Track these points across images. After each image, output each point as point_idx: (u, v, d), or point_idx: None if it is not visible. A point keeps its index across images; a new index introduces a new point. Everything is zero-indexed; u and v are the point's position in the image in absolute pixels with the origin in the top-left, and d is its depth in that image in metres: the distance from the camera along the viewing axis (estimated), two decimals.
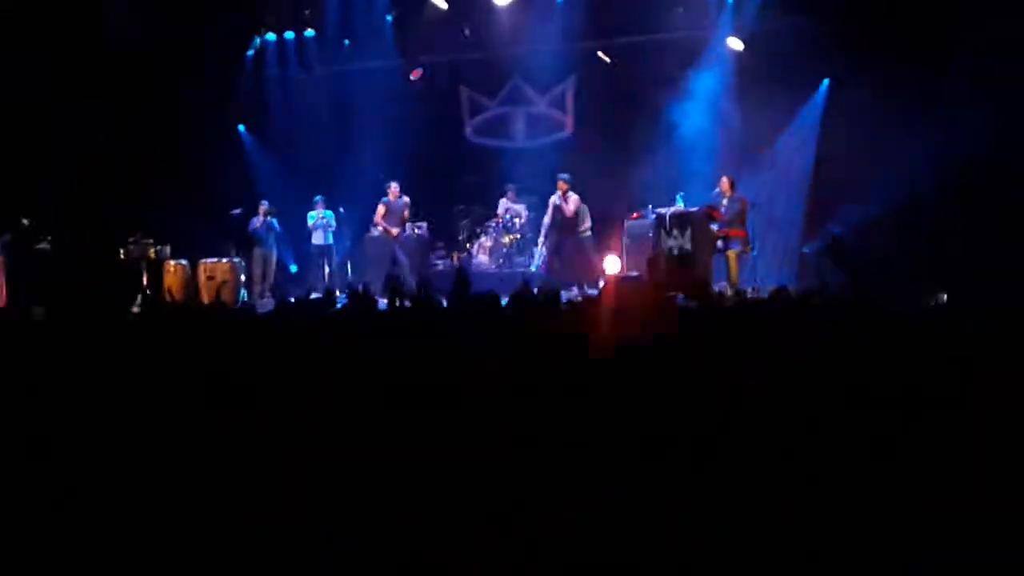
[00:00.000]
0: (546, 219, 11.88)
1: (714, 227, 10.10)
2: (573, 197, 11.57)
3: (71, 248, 10.78)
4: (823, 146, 11.29)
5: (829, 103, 11.46)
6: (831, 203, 10.72)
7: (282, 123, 13.84)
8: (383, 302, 6.17)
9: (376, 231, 12.35)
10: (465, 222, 13.00)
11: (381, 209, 11.95)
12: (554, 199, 11.71)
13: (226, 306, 7.48)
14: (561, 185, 11.61)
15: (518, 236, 12.49)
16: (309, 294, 8.67)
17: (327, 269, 12.50)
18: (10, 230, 10.47)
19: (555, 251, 11.66)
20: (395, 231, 11.87)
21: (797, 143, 11.66)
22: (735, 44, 12.08)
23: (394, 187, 11.98)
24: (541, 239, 12.08)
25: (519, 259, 12.39)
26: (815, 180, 11.28)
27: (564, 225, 11.57)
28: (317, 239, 12.55)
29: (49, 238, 10.76)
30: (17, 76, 10.25)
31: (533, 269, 11.90)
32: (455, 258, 12.72)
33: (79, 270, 10.23)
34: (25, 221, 10.60)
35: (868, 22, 10.24)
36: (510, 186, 12.60)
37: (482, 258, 12.60)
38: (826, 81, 11.51)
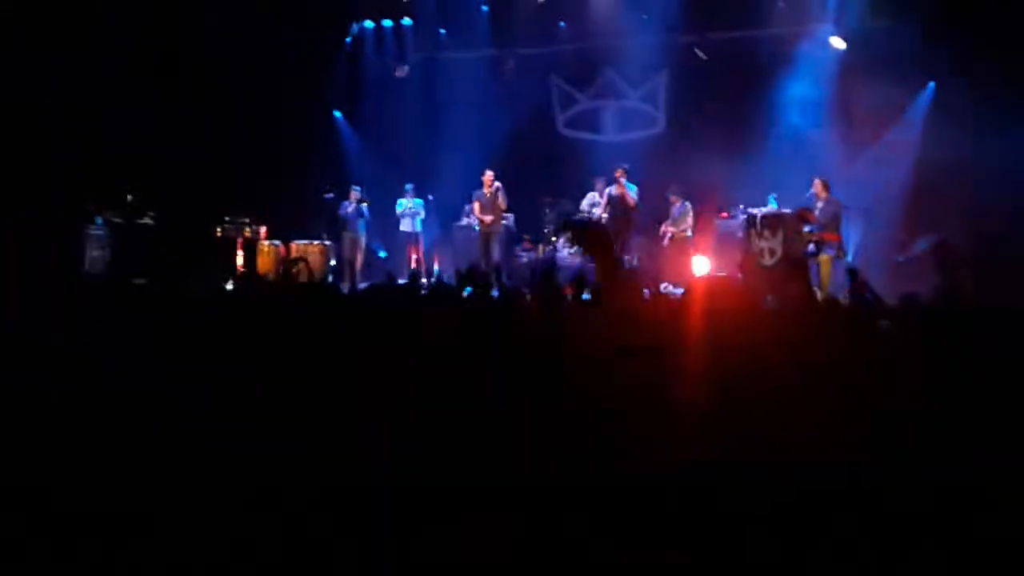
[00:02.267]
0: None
1: (807, 230, 9.84)
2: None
3: (172, 224, 11.19)
4: (926, 150, 10.87)
5: (933, 106, 11.04)
6: (933, 209, 10.33)
7: (376, 110, 14.06)
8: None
9: (466, 220, 12.43)
10: (551, 215, 12.98)
11: (476, 206, 11.96)
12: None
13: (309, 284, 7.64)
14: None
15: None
16: (392, 279, 8.78)
17: (414, 256, 12.66)
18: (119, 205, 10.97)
19: (625, 246, 11.55)
20: (488, 218, 11.81)
21: (898, 146, 11.25)
22: (837, 42, 11.74)
23: (488, 176, 11.89)
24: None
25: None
26: (916, 185, 10.86)
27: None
28: (405, 226, 12.72)
29: (152, 214, 11.21)
30: (124, 59, 10.64)
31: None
32: (540, 250, 12.73)
33: (178, 246, 10.62)
34: (130, 197, 11.06)
35: (973, 23, 9.84)
36: (599, 179, 12.50)
37: (567, 251, 12.57)
38: (932, 84, 11.08)
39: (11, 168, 9.77)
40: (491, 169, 12.00)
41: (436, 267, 12.96)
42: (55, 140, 10.20)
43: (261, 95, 12.42)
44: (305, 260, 11.49)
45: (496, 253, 11.85)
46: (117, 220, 10.98)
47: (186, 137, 11.10)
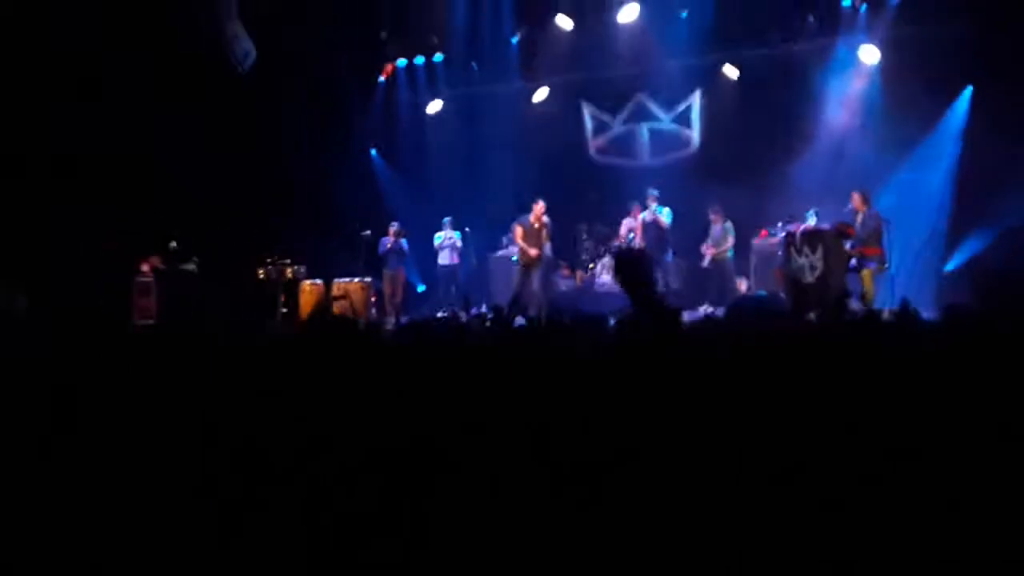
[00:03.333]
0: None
1: (847, 245, 9.69)
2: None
3: (215, 269, 11.40)
4: (966, 157, 10.68)
5: (971, 111, 10.86)
6: (974, 219, 10.14)
7: (411, 146, 14.25)
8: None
9: (503, 251, 12.46)
10: (588, 242, 12.97)
11: (519, 231, 11.63)
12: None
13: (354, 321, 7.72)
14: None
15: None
16: (435, 313, 8.84)
17: (454, 289, 12.73)
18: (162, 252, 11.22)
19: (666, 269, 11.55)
20: (534, 252, 11.31)
21: (938, 154, 11.07)
22: (870, 53, 11.63)
23: (540, 206, 11.36)
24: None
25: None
26: (958, 194, 10.66)
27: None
28: (444, 259, 12.81)
29: (195, 259, 11.44)
30: (164, 105, 10.91)
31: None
32: (578, 277, 12.71)
33: (222, 290, 10.81)
34: (173, 244, 11.30)
35: (1009, 25, 9.68)
36: (635, 204, 12.46)
37: (605, 278, 12.53)
38: (969, 88, 10.91)
39: (64, 221, 10.07)
40: (526, 198, 11.97)
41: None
42: (106, 192, 10.48)
43: (299, 136, 12.66)
44: (347, 296, 11.72)
45: (536, 283, 11.76)
46: (162, 268, 11.22)
47: (226, 181, 11.32)
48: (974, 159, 10.36)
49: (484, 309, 10.77)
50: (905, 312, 3.69)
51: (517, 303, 10.43)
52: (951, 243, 10.61)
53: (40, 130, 10.23)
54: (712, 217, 11.65)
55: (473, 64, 14.14)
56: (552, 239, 12.34)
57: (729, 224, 11.55)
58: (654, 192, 11.69)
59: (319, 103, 12.91)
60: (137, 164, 10.78)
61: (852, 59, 11.78)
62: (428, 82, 14.56)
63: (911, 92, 10.47)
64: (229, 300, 10.59)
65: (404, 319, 11.07)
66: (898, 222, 9.76)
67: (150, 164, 10.81)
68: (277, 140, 12.43)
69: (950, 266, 10.45)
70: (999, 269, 8.10)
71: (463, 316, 6.89)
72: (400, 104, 14.63)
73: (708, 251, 11.62)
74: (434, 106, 14.47)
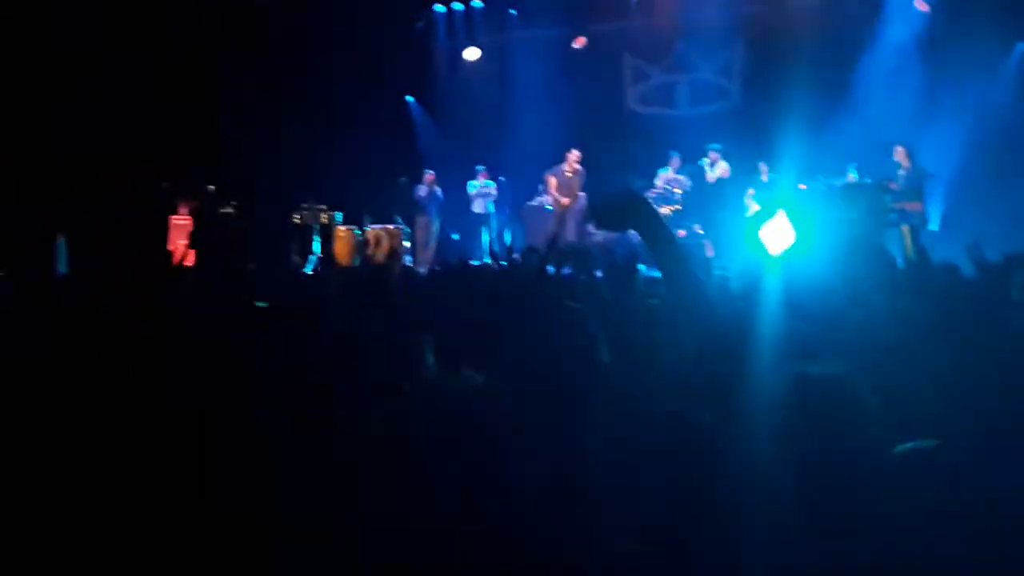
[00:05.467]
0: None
1: (888, 199, 9.52)
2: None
3: (252, 213, 11.49)
4: (1016, 115, 10.40)
5: (1022, 68, 10.56)
6: (1021, 174, 9.90)
7: (448, 93, 14.15)
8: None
9: (539, 200, 12.43)
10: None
11: (553, 181, 11.88)
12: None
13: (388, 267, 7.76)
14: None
15: (678, 207, 12.24)
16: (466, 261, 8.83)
17: (487, 237, 12.73)
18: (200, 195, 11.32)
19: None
20: (565, 200, 11.65)
21: (985, 110, 10.78)
22: (921, 4, 11.30)
23: (574, 155, 11.73)
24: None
25: (678, 230, 12.17)
26: (1004, 149, 10.40)
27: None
28: (478, 208, 12.80)
29: (233, 203, 11.53)
30: (197, 52, 10.92)
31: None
32: None
33: (259, 233, 10.91)
34: (211, 187, 11.39)
35: None
36: (674, 155, 12.30)
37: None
38: (1020, 45, 10.59)
39: (96, 166, 10.17)
40: (563, 148, 11.93)
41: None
42: (136, 135, 10.57)
43: (335, 82, 12.61)
44: (380, 242, 11.76)
45: (571, 233, 11.79)
46: (200, 210, 11.32)
47: (263, 127, 11.36)
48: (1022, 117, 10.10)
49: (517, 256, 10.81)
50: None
51: (553, 251, 10.42)
52: (998, 203, 10.37)
53: (79, 74, 10.30)
54: (762, 169, 11.51)
55: (512, 10, 13.94)
56: (587, 190, 12.32)
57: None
58: (716, 147, 11.57)
59: (356, 48, 12.82)
60: (179, 109, 10.84)
61: (903, 11, 11.45)
62: (466, 28, 14.41)
63: (961, 47, 10.17)
64: (266, 243, 10.68)
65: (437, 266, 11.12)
66: (944, 179, 9.57)
67: (193, 109, 10.87)
68: (314, 86, 12.41)
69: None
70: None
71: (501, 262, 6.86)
72: (438, 51, 14.51)
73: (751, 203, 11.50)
74: (471, 53, 14.32)
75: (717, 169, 11.49)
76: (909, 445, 1.73)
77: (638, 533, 1.63)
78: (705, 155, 11.85)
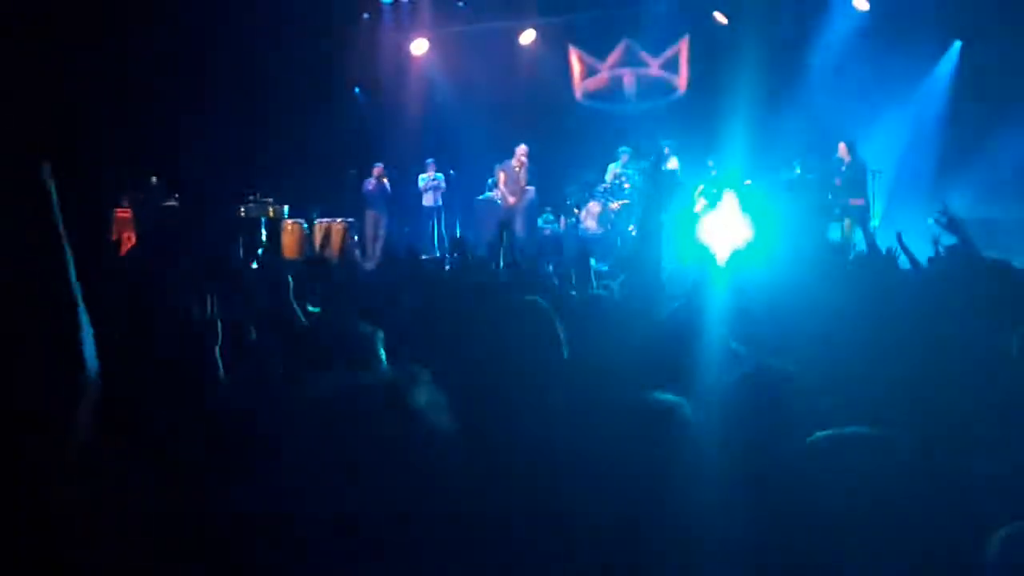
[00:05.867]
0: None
1: (831, 195, 9.73)
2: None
3: (196, 206, 11.28)
4: (952, 110, 10.70)
5: (960, 66, 10.84)
6: (960, 169, 10.17)
7: (397, 85, 14.04)
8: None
9: (489, 194, 12.44)
10: (573, 187, 12.93)
11: (502, 176, 11.94)
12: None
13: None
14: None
15: (626, 201, 12.35)
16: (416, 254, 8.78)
17: (436, 231, 12.68)
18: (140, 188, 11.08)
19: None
20: (512, 199, 11.78)
21: (924, 107, 11.08)
22: (860, 3, 11.54)
23: (522, 149, 11.85)
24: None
25: (626, 225, 12.27)
26: (943, 145, 10.70)
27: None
28: (427, 201, 12.74)
29: (176, 196, 11.31)
30: (144, 44, 10.69)
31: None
32: (562, 223, 12.70)
33: (202, 226, 10.71)
34: (154, 179, 11.16)
35: None
36: (623, 150, 12.40)
37: (589, 223, 12.52)
38: (957, 43, 10.88)
39: (36, 159, 9.87)
40: (512, 142, 11.96)
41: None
42: (80, 128, 10.30)
43: (281, 73, 12.42)
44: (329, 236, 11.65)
45: (519, 227, 11.81)
46: (142, 203, 11.09)
47: (208, 118, 11.15)
48: (961, 112, 10.38)
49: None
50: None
51: (501, 245, 10.46)
52: (936, 195, 10.66)
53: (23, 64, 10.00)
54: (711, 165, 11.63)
55: (459, 3, 13.88)
56: (536, 183, 12.38)
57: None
58: (666, 143, 11.65)
59: (304, 40, 12.64)
60: (119, 99, 10.58)
61: (842, 9, 11.68)
62: (413, 20, 14.29)
63: (900, 44, 10.42)
64: (209, 236, 10.49)
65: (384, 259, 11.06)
66: (884, 174, 9.80)
67: (128, 101, 10.62)
68: (260, 77, 12.21)
69: (933, 217, 10.50)
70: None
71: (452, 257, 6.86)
72: (384, 43, 14.37)
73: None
74: (419, 45, 14.22)
75: (668, 164, 11.57)
76: (828, 432, 1.78)
77: (600, 520, 1.65)
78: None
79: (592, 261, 5.45)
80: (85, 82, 10.33)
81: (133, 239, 10.79)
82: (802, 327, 3.04)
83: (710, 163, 11.54)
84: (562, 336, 2.30)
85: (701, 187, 11.46)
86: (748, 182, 11.42)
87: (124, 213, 11.00)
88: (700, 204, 11.46)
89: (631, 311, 2.98)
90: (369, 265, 10.16)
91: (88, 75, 10.34)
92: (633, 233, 11.54)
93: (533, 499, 1.72)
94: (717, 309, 2.81)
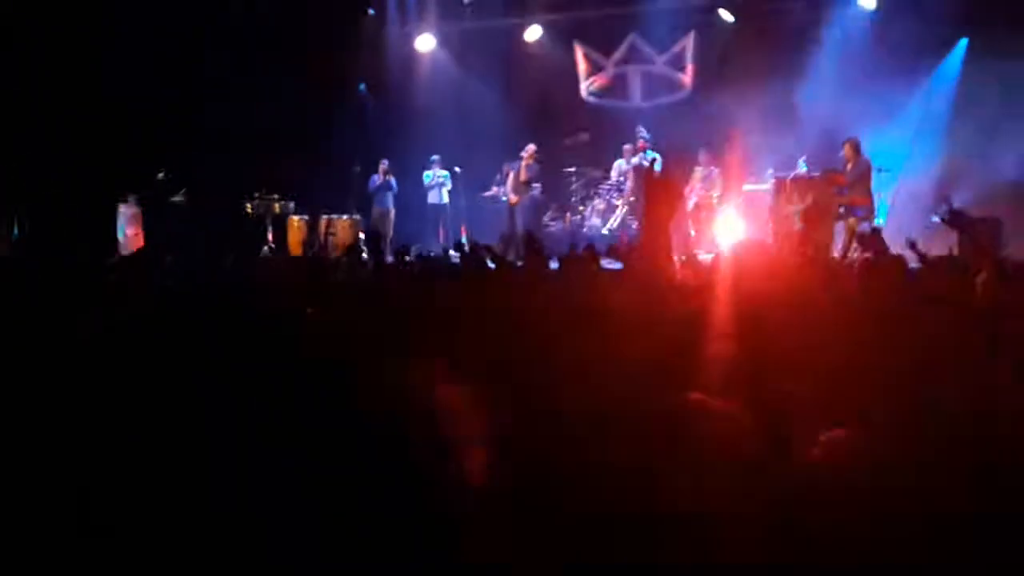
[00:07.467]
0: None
1: (837, 193, 9.72)
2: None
3: (202, 202, 11.31)
4: (959, 109, 10.68)
5: (967, 62, 10.82)
6: (965, 169, 10.16)
7: (400, 82, 14.03)
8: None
9: (492, 191, 12.48)
10: (578, 184, 12.94)
11: (511, 174, 12.04)
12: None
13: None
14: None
15: (632, 198, 12.35)
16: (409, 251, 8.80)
17: (442, 228, 12.69)
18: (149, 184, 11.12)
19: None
20: (514, 198, 11.86)
21: (931, 106, 11.06)
22: (867, 1, 11.52)
23: (531, 149, 11.96)
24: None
25: (632, 221, 12.28)
26: (949, 145, 10.67)
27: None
28: (433, 198, 12.76)
29: (183, 192, 11.34)
30: (150, 39, 10.73)
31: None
32: (567, 220, 12.72)
33: (209, 223, 10.75)
34: (161, 176, 11.19)
35: None
36: (627, 147, 12.39)
37: (595, 220, 12.54)
38: (964, 41, 10.86)
39: (43, 153, 9.94)
40: (516, 140, 12.00)
41: (464, 238, 13.00)
42: (85, 123, 10.34)
43: (286, 70, 12.43)
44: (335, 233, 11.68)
45: (520, 223, 11.83)
46: (149, 199, 11.13)
47: (214, 115, 11.18)
48: (967, 111, 10.36)
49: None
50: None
51: (507, 242, 10.57)
52: (941, 194, 10.64)
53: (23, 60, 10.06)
54: (701, 162, 11.62)
55: None
56: (542, 181, 12.39)
57: (716, 170, 11.53)
58: (645, 136, 11.61)
59: (308, 36, 12.64)
60: (126, 96, 10.61)
61: (849, 7, 11.67)
62: (419, 17, 14.28)
63: (907, 42, 10.39)
64: (216, 233, 10.53)
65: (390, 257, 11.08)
66: (890, 173, 9.79)
67: (134, 96, 10.65)
68: (265, 74, 12.23)
69: (936, 216, 10.50)
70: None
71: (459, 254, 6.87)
72: (390, 40, 14.36)
73: (692, 195, 11.61)
74: (424, 42, 14.21)
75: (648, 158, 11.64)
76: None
77: None
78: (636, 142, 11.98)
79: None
80: (92, 79, 10.39)
81: (140, 235, 10.85)
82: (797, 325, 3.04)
83: (711, 163, 11.55)
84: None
85: (701, 182, 11.48)
86: (753, 179, 11.44)
87: (131, 209, 11.05)
88: (708, 200, 11.48)
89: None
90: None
91: (95, 72, 10.39)
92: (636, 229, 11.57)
93: None
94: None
